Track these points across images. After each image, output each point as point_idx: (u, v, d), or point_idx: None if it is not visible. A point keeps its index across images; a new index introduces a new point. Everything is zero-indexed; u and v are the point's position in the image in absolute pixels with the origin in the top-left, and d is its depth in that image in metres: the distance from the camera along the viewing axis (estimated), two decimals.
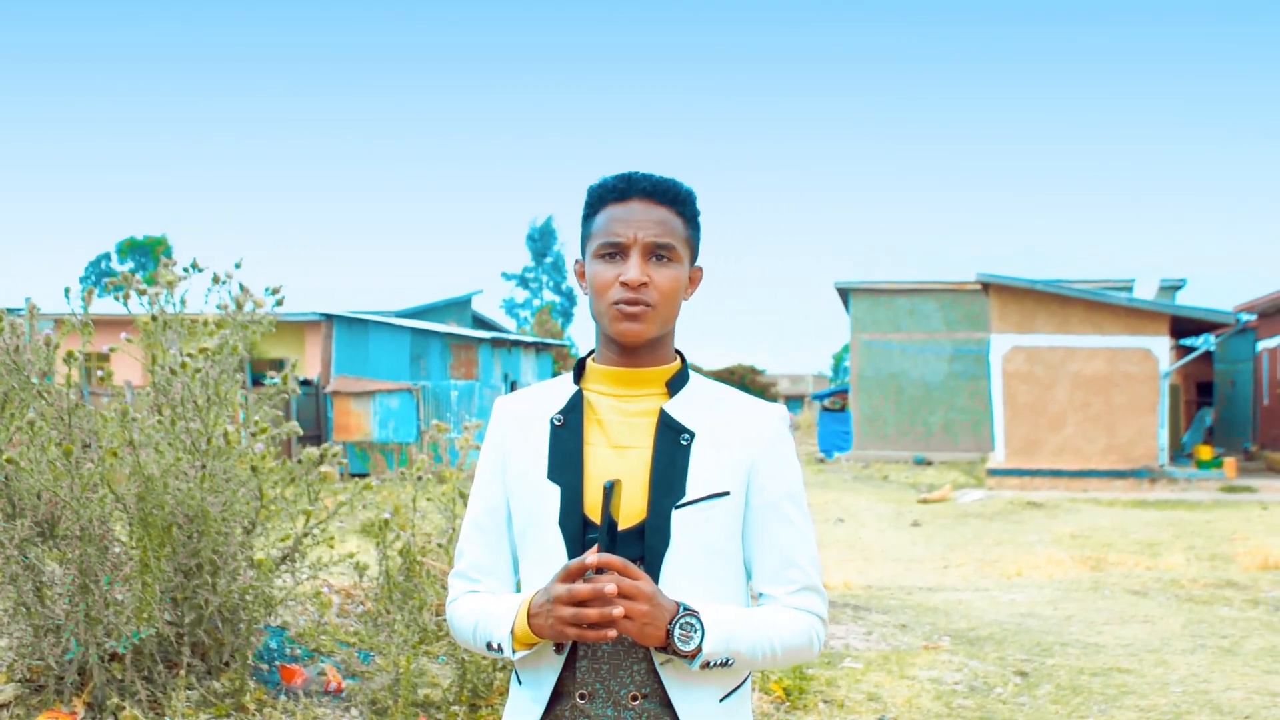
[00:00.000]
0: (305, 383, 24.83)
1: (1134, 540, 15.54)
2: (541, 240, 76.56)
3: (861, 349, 35.57)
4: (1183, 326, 25.97)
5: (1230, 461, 24.73)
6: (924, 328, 35.05)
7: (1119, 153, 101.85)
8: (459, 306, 35.29)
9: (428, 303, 33.01)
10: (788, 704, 6.35)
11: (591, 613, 1.98)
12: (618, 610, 1.98)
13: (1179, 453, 28.46)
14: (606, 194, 2.22)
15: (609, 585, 1.98)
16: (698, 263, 2.30)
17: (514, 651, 2.12)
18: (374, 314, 27.58)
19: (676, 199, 2.21)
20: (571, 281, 70.60)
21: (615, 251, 2.18)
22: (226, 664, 5.41)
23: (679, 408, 2.23)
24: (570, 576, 2.02)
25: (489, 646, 2.17)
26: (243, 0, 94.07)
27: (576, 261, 2.31)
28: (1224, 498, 21.97)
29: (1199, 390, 35.24)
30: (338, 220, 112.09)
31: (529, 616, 2.08)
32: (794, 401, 61.01)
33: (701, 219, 2.29)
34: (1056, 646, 8.40)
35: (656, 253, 2.18)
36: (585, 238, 2.26)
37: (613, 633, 1.99)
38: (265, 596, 5.45)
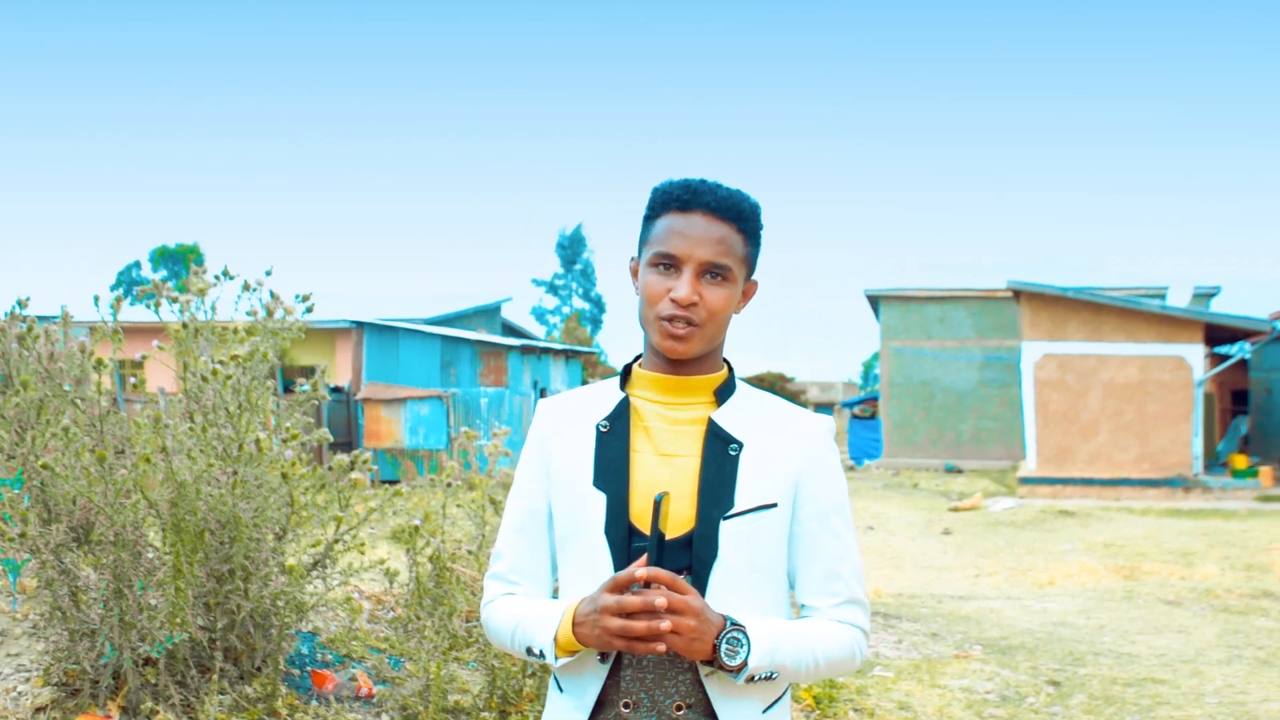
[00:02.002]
0: (336, 390, 24.96)
1: (1168, 550, 15.41)
2: (571, 248, 76.62)
3: (892, 356, 35.46)
4: (1217, 334, 25.76)
5: (1266, 470, 24.49)
6: (954, 335, 34.91)
7: (1153, 158, 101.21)
8: (489, 313, 35.37)
9: (458, 310, 33.09)
10: (818, 712, 6.32)
11: (639, 626, 1.97)
12: (665, 625, 1.96)
13: (1213, 462, 28.23)
14: (670, 201, 2.18)
15: (658, 599, 1.97)
16: (754, 275, 2.26)
17: (556, 659, 2.10)
18: (404, 321, 27.68)
19: (740, 216, 2.17)
20: (602, 289, 70.41)
21: (670, 264, 2.15)
22: (258, 669, 5.43)
23: (727, 417, 2.21)
24: (618, 588, 2.00)
25: (529, 651, 2.15)
26: (273, 2, 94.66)
27: (632, 259, 2.28)
28: (1260, 507, 21.77)
29: (1234, 398, 34.91)
30: (368, 227, 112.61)
31: (574, 625, 2.06)
32: (824, 409, 60.87)
33: (763, 233, 2.25)
34: (1089, 656, 8.34)
35: (711, 271, 2.15)
36: (643, 240, 2.23)
37: (661, 646, 1.98)
38: (297, 602, 5.47)
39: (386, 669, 5.86)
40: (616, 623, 1.98)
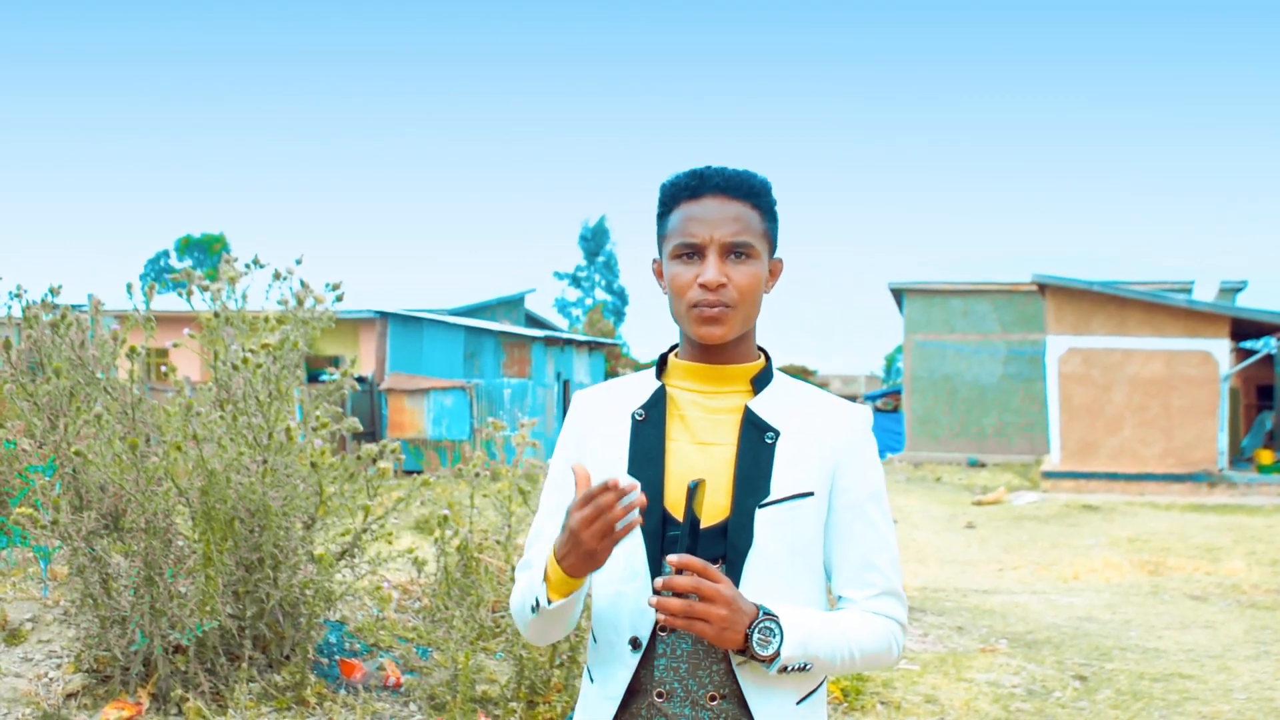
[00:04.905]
0: (360, 380, 25.01)
1: (1193, 545, 15.32)
2: (594, 240, 76.60)
3: (915, 350, 35.33)
4: (1243, 329, 25.54)
5: None
6: (978, 329, 34.75)
7: (1179, 154, 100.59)
8: (512, 305, 35.41)
9: (481, 301, 33.12)
10: (845, 705, 6.32)
11: (674, 603, 1.95)
12: (632, 500, 1.94)
13: (1238, 457, 28.03)
14: (679, 192, 2.17)
15: (681, 581, 1.95)
16: (777, 254, 2.24)
17: (549, 601, 2.05)
18: (428, 312, 27.71)
19: (752, 192, 2.16)
20: (625, 281, 70.20)
21: (692, 252, 2.14)
22: (287, 657, 5.46)
23: (763, 405, 2.19)
24: (586, 501, 1.94)
25: (533, 609, 2.10)
26: (300, 2, 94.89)
27: (654, 260, 2.27)
28: None
29: (1259, 394, 34.66)
30: (392, 219, 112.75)
31: (558, 559, 2.02)
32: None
33: (778, 208, 2.23)
34: (1116, 651, 8.31)
35: (734, 251, 2.13)
36: (661, 237, 2.22)
37: (636, 515, 1.94)
38: (325, 591, 5.49)
39: (414, 658, 5.88)
40: (586, 524, 1.93)
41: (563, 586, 2.05)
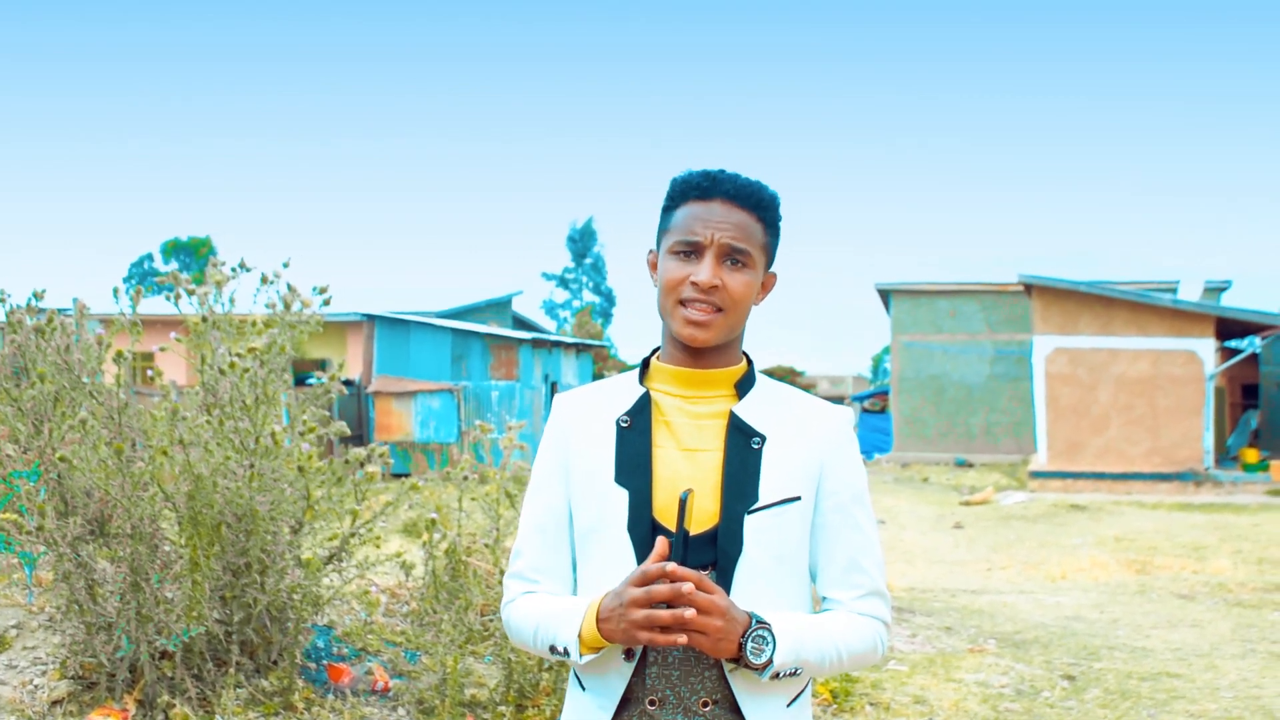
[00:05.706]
0: (347, 383, 24.95)
1: (1179, 544, 15.37)
2: (582, 241, 76.56)
3: (902, 350, 35.40)
4: (1228, 328, 25.67)
5: (1277, 465, 24.38)
6: (965, 329, 34.84)
7: (1164, 154, 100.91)
8: (499, 307, 35.38)
9: (468, 303, 33.11)
10: (835, 706, 6.32)
11: (665, 615, 1.95)
12: (689, 612, 1.94)
13: (1224, 456, 28.14)
14: (690, 190, 2.18)
15: (686, 585, 1.95)
16: (772, 268, 2.26)
17: (581, 656, 2.08)
18: (415, 314, 27.68)
19: (760, 204, 2.18)
20: (613, 283, 69.99)
21: (690, 250, 2.15)
22: (275, 662, 5.44)
23: (748, 410, 2.19)
24: (645, 580, 1.97)
25: (552, 650, 2.13)
26: (284, 3, 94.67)
27: (650, 251, 2.28)
28: (1270, 501, 21.70)
29: (1244, 393, 34.78)
30: (378, 221, 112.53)
31: (599, 620, 2.04)
32: (834, 403, 60.50)
33: (782, 224, 2.25)
34: (1104, 650, 8.33)
35: (732, 256, 2.14)
36: (662, 230, 2.23)
37: (683, 638, 1.96)
38: (313, 595, 5.47)
39: (403, 663, 5.86)
40: (642, 613, 1.96)
41: (594, 644, 2.07)
